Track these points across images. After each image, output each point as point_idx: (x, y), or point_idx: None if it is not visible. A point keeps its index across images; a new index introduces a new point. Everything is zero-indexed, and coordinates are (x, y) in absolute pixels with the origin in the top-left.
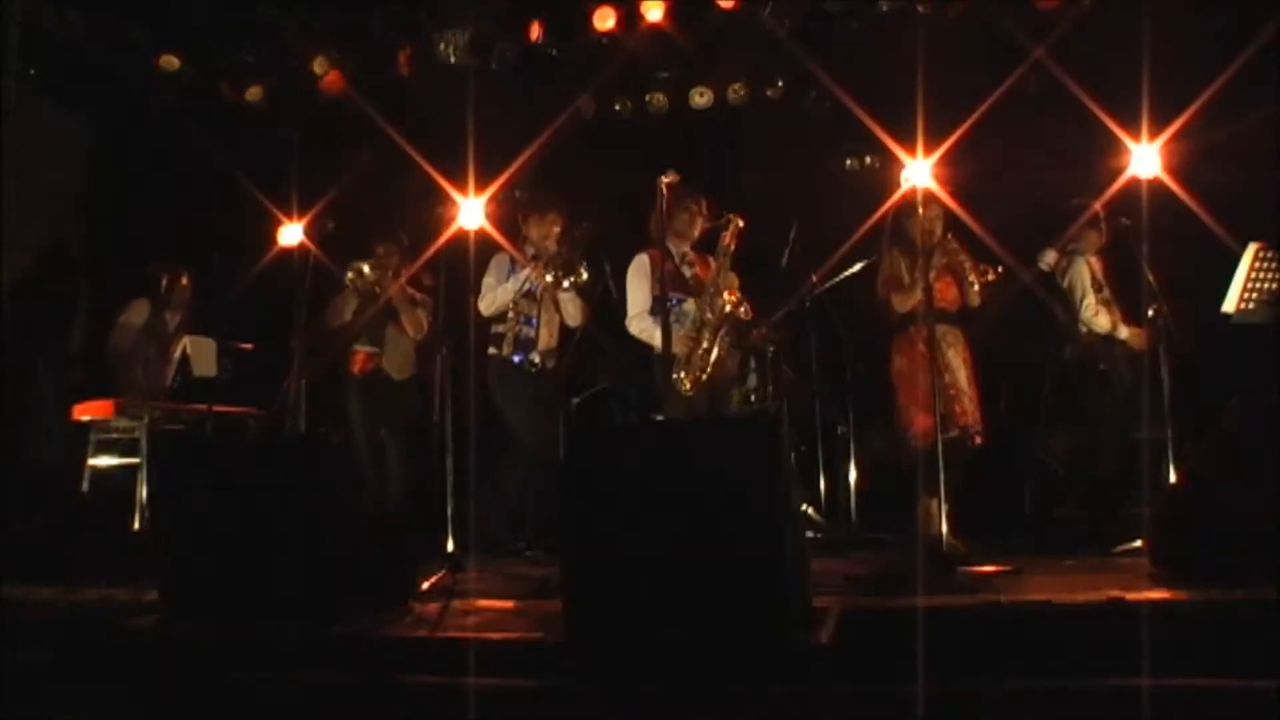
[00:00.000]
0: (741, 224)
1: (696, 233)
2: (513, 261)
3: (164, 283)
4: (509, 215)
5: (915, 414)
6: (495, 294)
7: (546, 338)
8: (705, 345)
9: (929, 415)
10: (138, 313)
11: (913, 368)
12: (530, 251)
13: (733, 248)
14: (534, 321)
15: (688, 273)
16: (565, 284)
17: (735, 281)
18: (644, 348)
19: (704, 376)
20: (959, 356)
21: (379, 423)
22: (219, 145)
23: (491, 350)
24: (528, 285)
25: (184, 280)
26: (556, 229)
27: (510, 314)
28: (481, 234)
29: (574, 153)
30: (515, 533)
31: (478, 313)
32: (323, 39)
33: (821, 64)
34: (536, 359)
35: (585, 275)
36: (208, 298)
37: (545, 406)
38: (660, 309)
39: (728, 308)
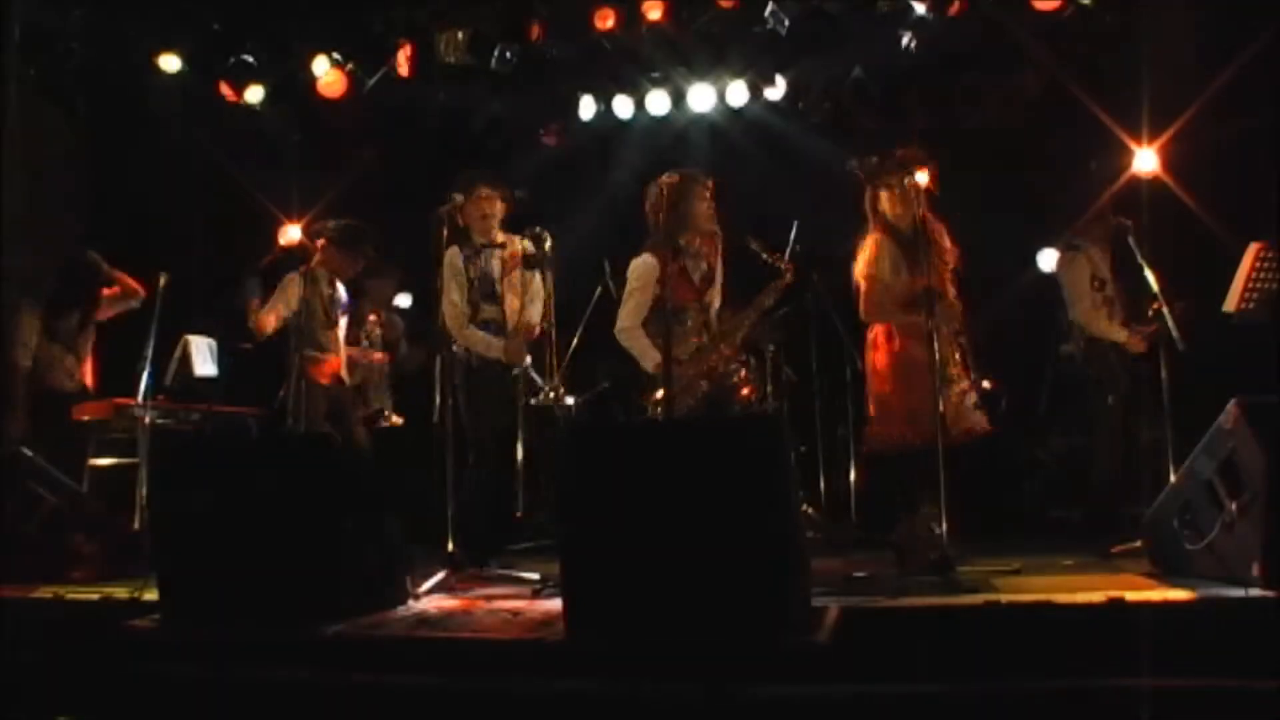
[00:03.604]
0: (789, 279)
1: (707, 221)
2: (463, 256)
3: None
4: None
5: (884, 417)
6: (460, 308)
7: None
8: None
9: (897, 421)
10: (28, 326)
11: (887, 367)
12: (479, 241)
13: (770, 304)
14: (500, 326)
15: (696, 274)
16: (540, 268)
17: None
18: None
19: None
20: (948, 347)
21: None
22: (219, 145)
23: (456, 349)
24: (488, 279)
25: (87, 263)
26: (499, 205)
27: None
28: None
29: (574, 153)
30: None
31: (445, 326)
32: (323, 39)
33: (822, 64)
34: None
35: (547, 242)
36: (208, 298)
37: (499, 407)
38: (663, 318)
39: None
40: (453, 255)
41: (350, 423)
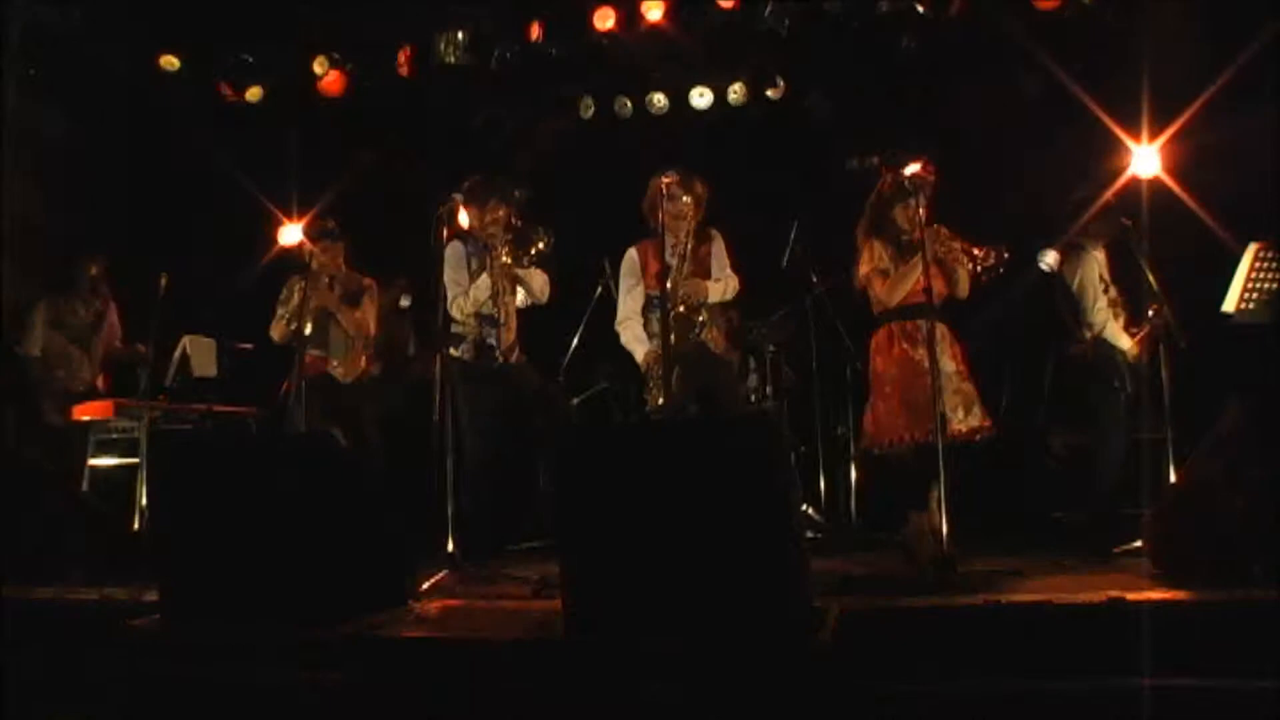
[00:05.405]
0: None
1: (687, 221)
2: (465, 250)
3: (76, 273)
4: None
5: (883, 416)
6: (470, 294)
7: (507, 334)
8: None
9: (897, 420)
10: (39, 313)
11: (889, 369)
12: (477, 243)
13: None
14: (496, 320)
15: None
16: (525, 260)
17: (704, 289)
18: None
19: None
20: (947, 353)
21: (329, 425)
22: (219, 145)
23: (452, 351)
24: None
25: (93, 269)
26: (500, 213)
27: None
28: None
29: (574, 153)
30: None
31: (448, 316)
32: (323, 39)
33: (822, 64)
34: (499, 357)
35: (543, 242)
36: (208, 298)
37: (497, 410)
38: (653, 307)
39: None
40: (455, 249)
41: (362, 421)
